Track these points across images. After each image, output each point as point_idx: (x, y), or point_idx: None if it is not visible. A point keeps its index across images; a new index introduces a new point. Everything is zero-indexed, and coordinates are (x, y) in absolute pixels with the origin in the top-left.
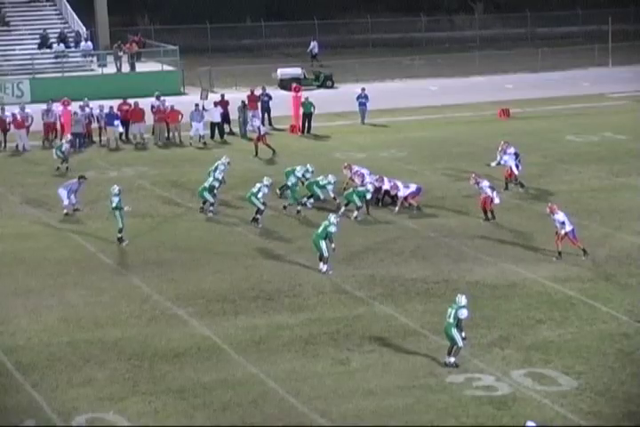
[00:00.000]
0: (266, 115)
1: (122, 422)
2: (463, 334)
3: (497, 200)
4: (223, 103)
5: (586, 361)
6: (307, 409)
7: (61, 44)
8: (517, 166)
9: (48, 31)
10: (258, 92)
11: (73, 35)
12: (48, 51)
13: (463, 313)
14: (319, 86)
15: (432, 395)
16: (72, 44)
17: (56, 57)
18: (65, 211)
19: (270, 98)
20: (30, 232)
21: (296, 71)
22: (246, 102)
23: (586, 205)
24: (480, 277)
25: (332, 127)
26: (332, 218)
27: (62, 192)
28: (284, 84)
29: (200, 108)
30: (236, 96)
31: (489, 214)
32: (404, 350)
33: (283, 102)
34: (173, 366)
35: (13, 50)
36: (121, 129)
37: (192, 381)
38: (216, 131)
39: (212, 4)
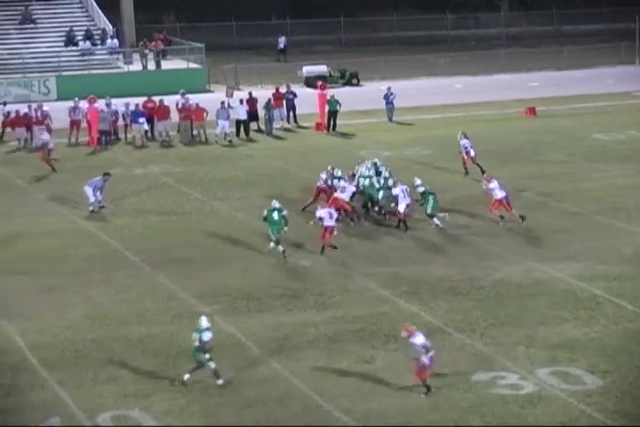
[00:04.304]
0: (291, 112)
1: (146, 419)
2: (207, 356)
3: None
4: (251, 101)
5: (611, 360)
6: (331, 407)
7: (87, 42)
8: (469, 152)
9: (74, 28)
10: (283, 89)
11: (99, 32)
12: (74, 48)
13: (207, 335)
14: (344, 84)
15: (457, 393)
16: (98, 42)
17: (82, 54)
18: (90, 208)
19: (295, 96)
20: (56, 229)
21: (321, 69)
22: (272, 100)
23: (612, 203)
24: (505, 276)
25: (358, 125)
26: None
27: (88, 190)
28: (310, 82)
29: (226, 105)
30: (262, 94)
31: (514, 212)
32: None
33: (308, 100)
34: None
35: (40, 47)
36: (146, 126)
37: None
38: (242, 128)
39: (237, 1)
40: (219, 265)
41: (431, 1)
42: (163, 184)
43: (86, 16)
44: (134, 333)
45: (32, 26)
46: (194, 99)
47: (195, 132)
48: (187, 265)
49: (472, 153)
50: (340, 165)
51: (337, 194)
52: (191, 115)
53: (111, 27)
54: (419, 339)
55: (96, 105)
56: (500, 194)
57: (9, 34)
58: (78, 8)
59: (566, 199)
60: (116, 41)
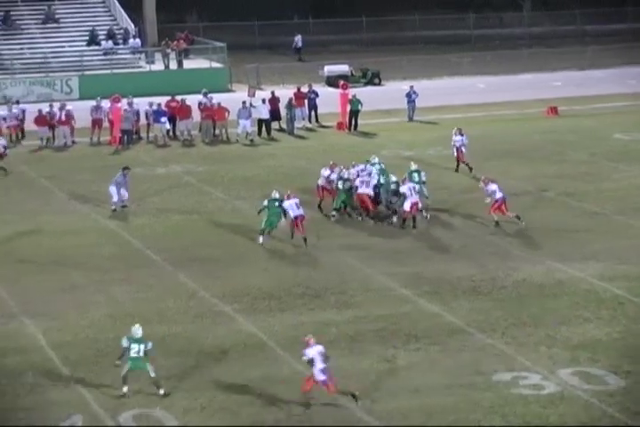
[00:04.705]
0: (313, 112)
1: (168, 418)
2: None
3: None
4: (273, 100)
5: (634, 360)
6: (353, 407)
7: (110, 41)
8: (459, 149)
9: (97, 28)
10: (304, 89)
11: (121, 32)
12: (97, 48)
13: (149, 345)
14: (366, 84)
15: (478, 393)
16: (120, 41)
17: (104, 54)
18: (113, 207)
19: (317, 95)
20: (78, 228)
21: (343, 68)
22: (293, 99)
23: (632, 203)
24: (527, 276)
25: (379, 125)
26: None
27: (112, 189)
28: (331, 82)
29: (247, 105)
30: (283, 93)
31: (510, 214)
32: (450, 348)
33: (330, 100)
34: (219, 363)
35: (62, 47)
36: (168, 126)
37: (238, 377)
38: (263, 128)
39: (259, 1)
40: (240, 264)
41: (454, 0)
42: (184, 183)
43: (109, 15)
44: (156, 332)
45: (55, 25)
46: (216, 98)
47: (216, 132)
48: (208, 264)
49: (463, 150)
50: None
51: (362, 190)
52: (213, 114)
53: (133, 26)
54: (310, 351)
55: (119, 104)
56: (499, 195)
57: (32, 33)
58: (101, 7)
59: (587, 199)
60: (138, 40)
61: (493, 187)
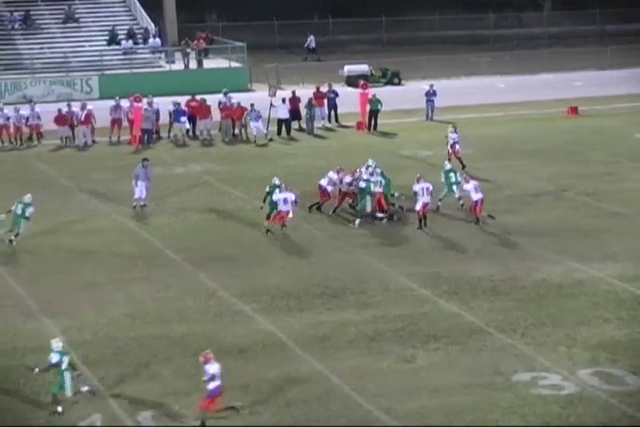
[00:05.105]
0: (332, 112)
1: (187, 418)
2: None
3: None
4: (294, 100)
5: None
6: (371, 407)
7: (130, 41)
8: (454, 146)
9: (117, 28)
10: (324, 88)
11: (141, 31)
12: (117, 47)
13: (53, 358)
14: (386, 83)
15: (497, 393)
16: (140, 41)
17: (124, 53)
18: (134, 204)
19: (337, 95)
20: (97, 227)
21: (363, 68)
22: (313, 99)
23: None
24: (546, 276)
25: (399, 124)
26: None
27: (133, 183)
28: (351, 81)
29: (256, 108)
30: (303, 93)
31: (483, 215)
32: (470, 348)
33: (349, 99)
34: (238, 362)
35: (83, 46)
36: (188, 125)
37: (257, 377)
38: (283, 127)
39: (279, 0)
40: (259, 264)
41: (473, 0)
42: (204, 183)
43: (129, 15)
44: (175, 331)
45: (75, 25)
46: (235, 98)
47: (236, 131)
48: (227, 264)
49: (457, 147)
50: (381, 164)
51: (376, 189)
52: (232, 114)
53: (153, 26)
54: (211, 367)
55: (139, 104)
56: (475, 196)
57: (52, 33)
58: (121, 7)
59: (607, 199)
60: (158, 40)
61: (469, 186)
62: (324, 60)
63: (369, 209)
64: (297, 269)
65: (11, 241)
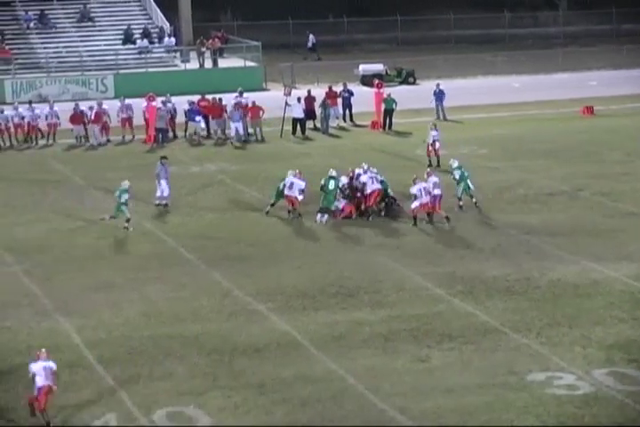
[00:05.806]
0: (347, 111)
1: (202, 417)
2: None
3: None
4: (309, 99)
5: None
6: (386, 406)
7: (145, 40)
8: (434, 144)
9: (132, 27)
10: (337, 88)
11: (156, 30)
12: (132, 46)
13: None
14: (401, 83)
15: (512, 393)
16: (155, 40)
17: (139, 52)
18: (156, 202)
19: (352, 94)
20: (112, 226)
21: (378, 67)
22: (327, 99)
23: None
24: (561, 276)
25: (414, 124)
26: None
27: (158, 183)
28: (366, 81)
29: (239, 107)
30: (318, 92)
31: (442, 213)
32: (484, 347)
33: (364, 99)
34: (253, 362)
35: (98, 45)
36: (203, 125)
37: (271, 376)
38: (298, 127)
39: (294, 0)
40: (274, 263)
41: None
42: (218, 182)
43: (144, 14)
44: (190, 330)
45: (90, 24)
46: (250, 97)
47: (250, 131)
48: (242, 263)
49: (437, 145)
50: (395, 163)
51: (375, 186)
52: (247, 113)
53: (169, 25)
54: (34, 366)
55: (154, 103)
56: (435, 192)
57: (67, 32)
58: (136, 6)
59: (623, 199)
60: (173, 39)
61: (421, 185)
62: (338, 59)
63: (334, 206)
64: (312, 269)
65: (126, 228)
